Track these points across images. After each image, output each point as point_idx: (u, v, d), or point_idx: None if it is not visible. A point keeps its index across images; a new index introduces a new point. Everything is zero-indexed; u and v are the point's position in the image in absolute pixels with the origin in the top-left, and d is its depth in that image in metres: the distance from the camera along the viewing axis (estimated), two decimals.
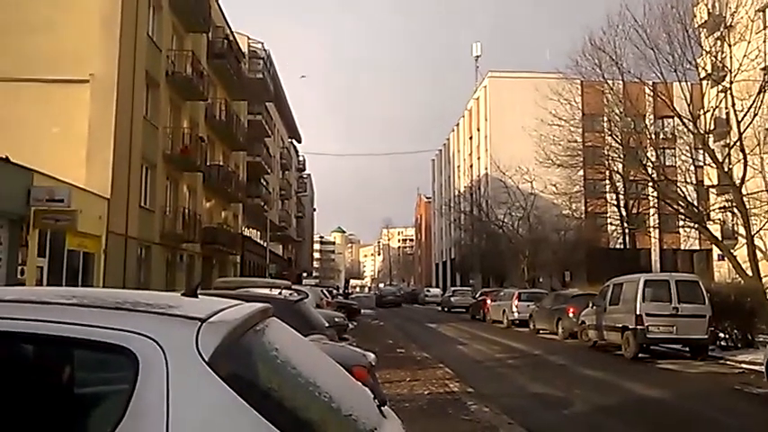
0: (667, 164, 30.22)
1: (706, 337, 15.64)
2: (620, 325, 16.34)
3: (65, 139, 20.25)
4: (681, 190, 26.67)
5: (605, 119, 32.10)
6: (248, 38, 43.34)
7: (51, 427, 2.01)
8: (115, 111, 21.27)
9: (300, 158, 77.04)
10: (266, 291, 10.97)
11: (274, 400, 2.04)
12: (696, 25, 26.98)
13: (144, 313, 2.11)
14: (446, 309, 43.13)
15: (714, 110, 26.47)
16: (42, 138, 19.73)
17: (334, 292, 49.44)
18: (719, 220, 28.96)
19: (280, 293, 9.97)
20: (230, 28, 37.29)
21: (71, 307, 2.13)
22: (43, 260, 17.26)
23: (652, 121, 31.90)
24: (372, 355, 5.47)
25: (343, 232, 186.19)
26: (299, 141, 74.65)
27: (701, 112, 26.27)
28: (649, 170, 28.12)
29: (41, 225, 16.79)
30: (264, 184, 47.70)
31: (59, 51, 20.59)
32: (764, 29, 25.58)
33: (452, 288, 51.35)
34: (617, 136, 30.76)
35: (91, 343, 2.00)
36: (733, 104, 24.52)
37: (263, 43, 45.56)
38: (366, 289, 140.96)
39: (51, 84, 20.52)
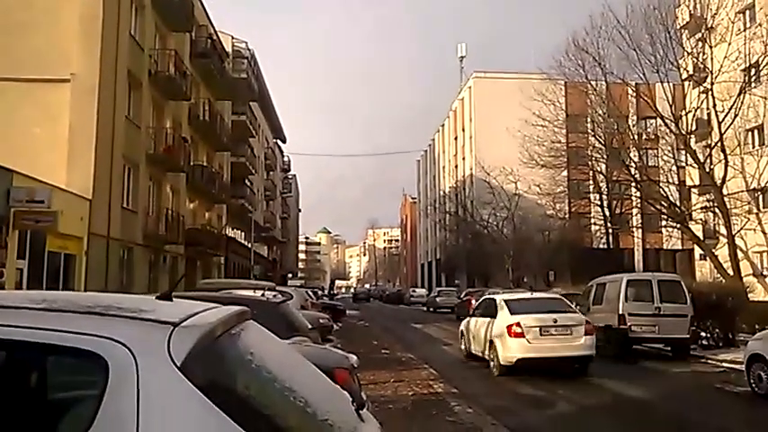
0: (650, 164, 30.54)
1: (688, 336, 15.78)
2: (603, 324, 16.42)
3: (46, 139, 20.02)
4: (663, 190, 26.94)
5: (589, 119, 32.36)
6: (232, 37, 43.13)
7: None
8: (97, 110, 21.05)
9: (285, 159, 76.78)
10: (249, 292, 10.90)
11: (248, 406, 2.00)
12: (678, 27, 27.30)
13: (115, 317, 2.06)
14: (431, 309, 43.16)
15: (695, 111, 26.76)
16: (23, 138, 19.50)
17: (320, 293, 49.37)
18: (701, 219, 29.28)
19: (262, 295, 9.91)
20: (214, 27, 37.09)
21: (41, 311, 2.09)
22: (23, 262, 17.02)
23: (635, 122, 32.24)
24: (354, 357, 5.43)
25: (329, 233, 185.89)
26: (284, 142, 74.44)
27: (683, 112, 26.56)
28: (632, 170, 28.38)
29: (21, 226, 16.56)
30: (249, 184, 47.46)
31: (40, 50, 20.35)
32: (745, 30, 25.87)
33: (438, 288, 51.41)
34: (600, 136, 31.02)
35: (60, 348, 1.96)
36: (714, 105, 24.79)
37: (246, 43, 45.43)
38: (352, 290, 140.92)
39: (32, 83, 20.29)
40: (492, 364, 13.28)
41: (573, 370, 12.95)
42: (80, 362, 1.95)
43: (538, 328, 12.63)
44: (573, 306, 14.62)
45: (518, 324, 12.62)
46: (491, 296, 16.31)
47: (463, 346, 16.16)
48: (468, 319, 16.21)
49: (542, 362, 12.73)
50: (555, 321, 12.78)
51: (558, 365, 12.89)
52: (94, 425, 1.83)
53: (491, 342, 13.34)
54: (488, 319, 13.92)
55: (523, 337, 12.57)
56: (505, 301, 13.99)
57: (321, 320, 16.37)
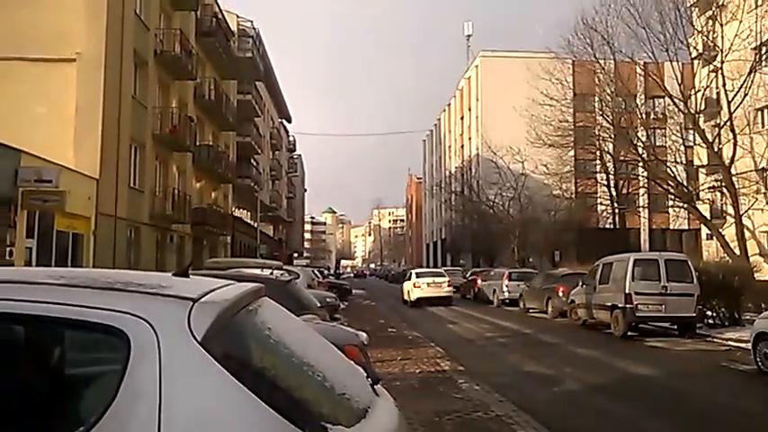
0: (658, 144, 30.34)
1: (694, 315, 15.80)
2: (610, 304, 16.47)
3: (52, 119, 20.01)
4: (671, 170, 26.79)
5: (596, 99, 32.11)
6: (237, 16, 42.81)
7: (42, 408, 1.99)
8: (103, 90, 21.02)
9: (291, 139, 76.63)
10: (257, 271, 10.95)
11: (267, 380, 2.03)
12: (688, 4, 26.95)
13: (135, 293, 2.09)
14: None
15: (705, 90, 26.51)
16: (29, 118, 19.49)
17: (326, 272, 49.57)
18: (708, 199, 29.14)
19: (271, 274, 9.96)
20: (219, 6, 36.81)
21: (61, 287, 2.11)
22: (32, 241, 17.13)
23: (643, 101, 31.99)
24: (364, 335, 5.49)
25: (334, 213, 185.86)
26: (290, 121, 74.24)
27: (692, 91, 26.31)
28: (640, 150, 28.21)
29: (29, 206, 16.65)
30: (255, 164, 47.44)
31: (45, 30, 20.26)
32: (756, 8, 25.46)
33: (443, 268, 51.46)
34: (608, 116, 30.79)
35: (82, 323, 1.98)
36: (724, 84, 24.55)
37: (252, 21, 45.08)
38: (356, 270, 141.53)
39: (38, 63, 20.24)
40: (409, 301, 28.61)
41: (445, 304, 27.54)
42: (101, 337, 1.97)
43: (426, 284, 28.53)
44: (445, 273, 31.95)
45: (417, 282, 28.74)
46: (410, 270, 35.32)
47: (403, 297, 30.62)
48: (403, 282, 32.06)
49: (428, 299, 27.69)
50: (434, 281, 28.85)
51: (436, 301, 27.53)
52: (117, 399, 1.86)
53: (408, 291, 29.27)
54: (408, 281, 30.02)
55: (420, 288, 28.30)
56: (414, 272, 31.37)
57: (328, 299, 16.41)
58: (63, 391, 2.06)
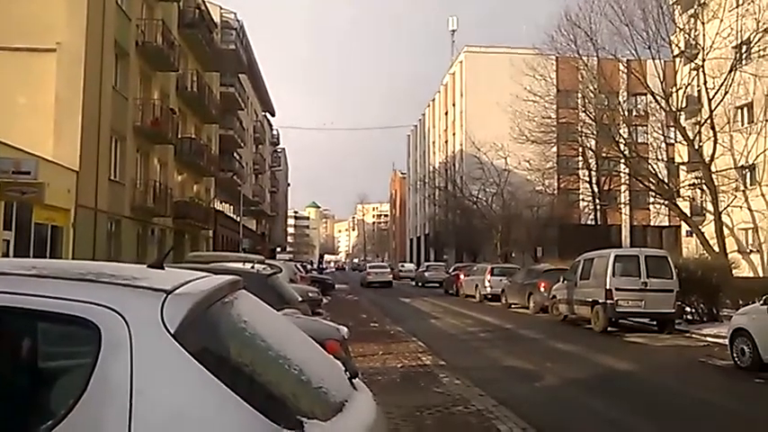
0: (639, 141, 30.60)
1: (673, 311, 15.97)
2: (591, 299, 16.59)
3: (32, 110, 19.72)
4: (652, 167, 27.04)
5: (579, 95, 32.28)
6: (220, 8, 42.41)
7: (10, 400, 1.95)
8: (83, 81, 20.74)
9: (274, 132, 76.16)
10: (239, 265, 10.87)
11: (242, 373, 2.00)
12: (671, 2, 27.18)
13: (107, 284, 2.04)
14: (420, 284, 43.38)
15: (686, 87, 26.75)
16: (8, 108, 19.18)
17: (309, 267, 49.52)
18: (689, 196, 29.45)
19: (252, 267, 9.89)
20: None
21: (31, 278, 2.06)
22: (9, 233, 16.89)
23: (625, 98, 32.22)
24: (345, 329, 5.47)
25: (318, 207, 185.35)
26: (273, 115, 73.76)
27: (674, 89, 26.55)
28: (621, 147, 28.42)
29: (7, 197, 16.41)
30: (237, 157, 47.14)
31: (25, 19, 19.95)
32: (737, 7, 25.74)
33: (426, 263, 51.57)
34: (590, 112, 30.97)
35: (51, 315, 1.94)
36: (705, 82, 24.80)
37: (235, 13, 44.66)
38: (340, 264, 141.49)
39: (16, 52, 19.93)
40: (364, 283, 41.97)
41: (387, 286, 40.97)
42: (71, 329, 1.93)
43: (375, 273, 43.98)
44: (387, 265, 53.53)
45: (369, 271, 45.33)
46: (366, 264, 66.03)
47: (361, 282, 43.66)
48: (363, 272, 49.59)
49: (377, 282, 41.08)
50: (380, 270, 45.42)
51: (382, 284, 40.90)
52: (87, 392, 1.82)
53: (364, 277, 44.52)
54: (364, 271, 48.98)
55: (370, 275, 43.31)
56: (368, 266, 54.36)
57: (310, 294, 16.41)
58: (32, 384, 2.02)
